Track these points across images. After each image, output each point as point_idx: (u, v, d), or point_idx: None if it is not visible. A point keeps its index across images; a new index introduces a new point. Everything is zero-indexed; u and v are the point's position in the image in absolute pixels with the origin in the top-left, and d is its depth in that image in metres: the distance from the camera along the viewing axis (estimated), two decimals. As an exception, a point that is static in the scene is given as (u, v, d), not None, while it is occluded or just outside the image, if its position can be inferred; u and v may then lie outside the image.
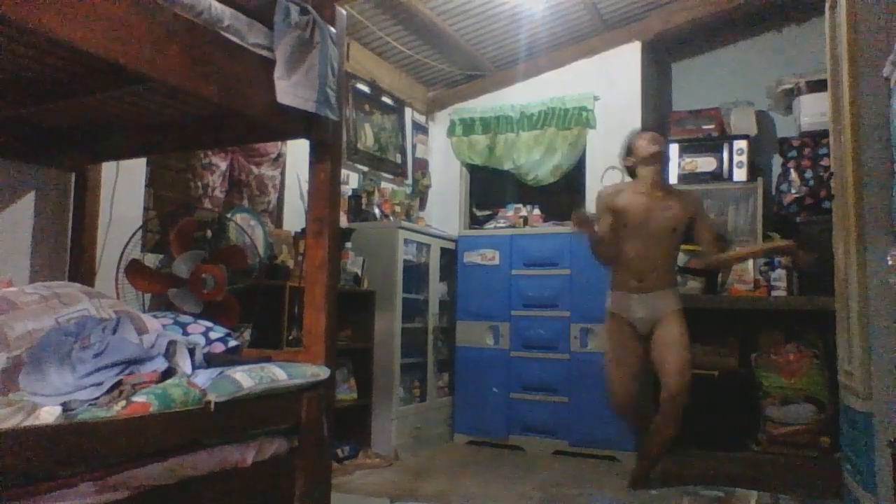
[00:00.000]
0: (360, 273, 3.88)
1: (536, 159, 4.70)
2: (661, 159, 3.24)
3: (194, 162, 3.13)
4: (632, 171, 3.30)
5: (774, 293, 4.14)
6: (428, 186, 5.10)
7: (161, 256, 2.91)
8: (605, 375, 3.19)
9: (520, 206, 4.72)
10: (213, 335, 2.18)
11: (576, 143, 4.57)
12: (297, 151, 3.65)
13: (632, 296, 3.11)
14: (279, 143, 3.58)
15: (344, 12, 2.24)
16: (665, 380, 3.03)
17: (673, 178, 4.58)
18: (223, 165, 3.24)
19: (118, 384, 1.55)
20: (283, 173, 3.71)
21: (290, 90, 1.87)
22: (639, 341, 3.13)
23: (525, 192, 4.88)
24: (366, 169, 4.43)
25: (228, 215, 3.19)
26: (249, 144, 3.33)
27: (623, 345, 3.12)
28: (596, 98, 4.54)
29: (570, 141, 4.57)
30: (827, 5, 2.91)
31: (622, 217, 3.15)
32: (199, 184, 3.14)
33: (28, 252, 2.49)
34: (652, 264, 3.10)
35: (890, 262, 2.10)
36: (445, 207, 5.06)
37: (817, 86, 4.06)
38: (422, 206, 5.01)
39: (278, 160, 3.62)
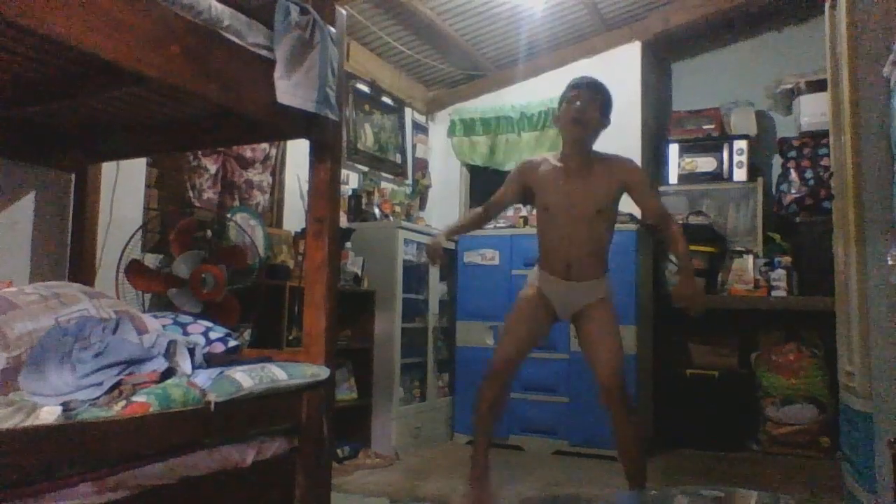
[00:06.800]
0: (360, 273, 3.88)
1: (537, 160, 4.70)
2: (585, 123, 2.56)
3: (184, 164, 3.10)
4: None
5: (774, 293, 4.15)
6: (428, 186, 5.09)
7: (161, 256, 2.92)
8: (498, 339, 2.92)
9: (520, 206, 4.71)
10: (213, 335, 2.18)
11: (576, 144, 4.56)
12: (297, 151, 3.65)
13: (559, 281, 2.73)
14: (267, 146, 3.58)
15: (344, 12, 2.25)
16: (598, 374, 2.66)
17: (673, 179, 4.60)
18: (213, 168, 3.22)
19: (118, 384, 1.55)
20: (274, 174, 3.70)
21: (290, 90, 1.87)
22: (547, 318, 2.81)
23: (525, 192, 4.89)
24: (366, 169, 4.42)
25: (229, 215, 3.19)
26: (238, 148, 3.33)
27: (528, 316, 2.81)
28: (596, 98, 4.53)
29: (571, 141, 4.57)
30: (827, 5, 2.91)
31: (541, 198, 2.72)
32: (189, 185, 3.13)
33: (28, 252, 2.49)
34: (579, 251, 2.67)
35: (890, 262, 2.10)
36: (445, 207, 5.06)
37: (817, 86, 4.07)
38: (422, 206, 5.00)
39: (266, 162, 3.61)
